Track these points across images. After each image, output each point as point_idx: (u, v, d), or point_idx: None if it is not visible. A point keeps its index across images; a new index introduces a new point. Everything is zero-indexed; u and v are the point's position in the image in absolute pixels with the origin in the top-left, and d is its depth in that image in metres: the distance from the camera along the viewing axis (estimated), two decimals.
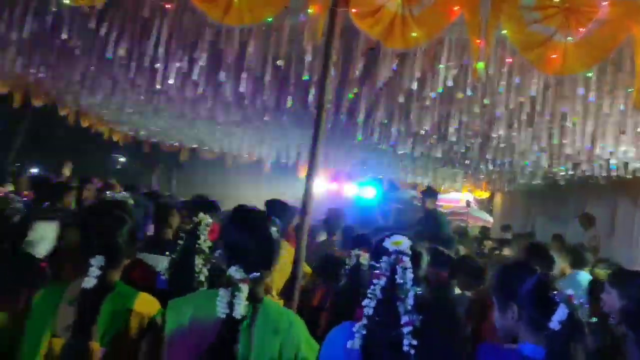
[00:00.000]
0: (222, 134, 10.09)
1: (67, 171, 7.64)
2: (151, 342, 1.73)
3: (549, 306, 1.61)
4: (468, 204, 11.85)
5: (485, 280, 3.73)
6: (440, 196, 12.90)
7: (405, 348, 1.46)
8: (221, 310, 1.60)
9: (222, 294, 1.62)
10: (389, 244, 1.62)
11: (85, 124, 9.96)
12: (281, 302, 3.59)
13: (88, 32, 4.59)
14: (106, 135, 11.09)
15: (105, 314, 1.69)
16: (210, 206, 4.80)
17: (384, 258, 1.58)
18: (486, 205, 14.56)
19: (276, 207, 4.12)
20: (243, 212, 1.89)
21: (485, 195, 13.58)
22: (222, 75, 4.86)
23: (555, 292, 1.65)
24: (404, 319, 1.49)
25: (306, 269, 3.83)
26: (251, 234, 1.73)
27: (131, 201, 2.51)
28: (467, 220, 11.55)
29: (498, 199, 13.35)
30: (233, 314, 1.59)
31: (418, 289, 1.55)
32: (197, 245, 2.49)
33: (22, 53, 5.81)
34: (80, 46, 5.04)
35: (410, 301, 1.51)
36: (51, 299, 1.75)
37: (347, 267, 2.57)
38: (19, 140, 8.57)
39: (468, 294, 3.49)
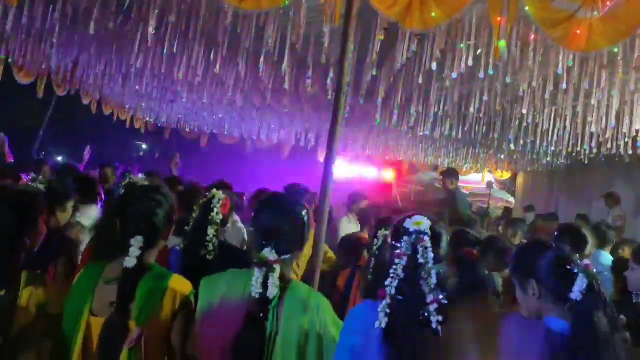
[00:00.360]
0: (241, 119, 10.14)
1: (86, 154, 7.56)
2: (184, 321, 1.78)
3: (568, 277, 1.63)
4: (489, 184, 11.70)
5: None
6: (461, 177, 12.83)
7: (434, 325, 1.47)
8: (255, 290, 1.66)
9: (257, 273, 1.68)
10: (409, 224, 1.64)
11: (107, 111, 10.11)
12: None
13: (108, 20, 4.64)
14: (127, 123, 11.25)
15: (141, 294, 1.74)
16: (226, 187, 4.91)
17: (405, 238, 1.61)
18: (508, 186, 14.38)
19: (295, 191, 4.16)
20: (276, 197, 1.98)
21: (506, 175, 13.41)
22: (240, 60, 4.86)
23: (573, 263, 1.66)
24: (429, 297, 1.51)
25: (330, 254, 3.86)
26: (284, 218, 1.80)
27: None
28: (488, 202, 11.42)
29: (520, 179, 13.18)
30: (267, 293, 1.66)
31: (439, 267, 1.57)
32: (210, 217, 2.62)
33: (45, 42, 5.91)
34: (101, 34, 5.10)
35: (433, 279, 1.53)
36: (89, 279, 1.81)
37: (374, 247, 2.58)
38: (42, 130, 8.74)
39: (497, 275, 3.43)
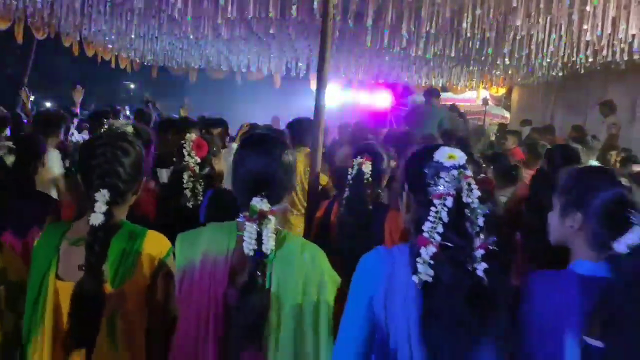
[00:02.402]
0: (228, 52, 9.88)
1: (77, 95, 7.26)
2: (163, 284, 1.62)
3: (621, 225, 1.39)
4: (485, 101, 11.61)
5: (518, 179, 3.62)
6: (455, 96, 12.71)
7: (480, 273, 1.31)
8: (249, 247, 1.48)
9: (250, 228, 1.49)
10: (443, 157, 1.39)
11: (90, 53, 9.82)
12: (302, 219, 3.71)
13: None
14: (112, 63, 10.96)
15: (114, 255, 1.56)
16: (216, 122, 4.86)
17: (443, 174, 1.37)
18: (503, 101, 14.28)
19: (302, 126, 4.09)
20: (261, 139, 1.70)
21: (502, 91, 13.26)
22: None
23: (632, 211, 1.42)
24: (477, 241, 1.33)
25: (322, 178, 3.86)
26: (274, 162, 1.60)
27: (130, 128, 2.38)
28: (484, 119, 11.39)
29: (515, 94, 13.06)
30: (263, 249, 1.49)
31: (486, 207, 1.37)
32: (184, 162, 2.52)
33: None
34: None
35: (480, 222, 1.34)
36: (51, 240, 1.63)
37: (349, 176, 2.44)
38: (26, 77, 8.51)
39: (503, 197, 3.34)
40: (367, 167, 2.43)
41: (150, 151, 2.52)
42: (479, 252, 1.33)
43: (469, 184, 1.36)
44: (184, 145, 2.56)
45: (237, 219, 1.60)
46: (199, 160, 2.57)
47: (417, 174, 1.42)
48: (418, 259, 1.31)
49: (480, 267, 1.32)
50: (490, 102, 12.27)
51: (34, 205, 2.42)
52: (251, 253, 1.49)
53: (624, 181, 1.55)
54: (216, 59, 10.89)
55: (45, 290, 1.57)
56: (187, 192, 2.47)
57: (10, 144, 2.57)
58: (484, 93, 12.69)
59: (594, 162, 4.36)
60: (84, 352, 1.54)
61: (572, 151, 3.22)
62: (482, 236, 1.35)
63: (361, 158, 2.46)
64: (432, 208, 1.34)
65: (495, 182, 3.52)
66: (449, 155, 1.39)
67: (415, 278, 1.32)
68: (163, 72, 12.53)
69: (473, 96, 13.29)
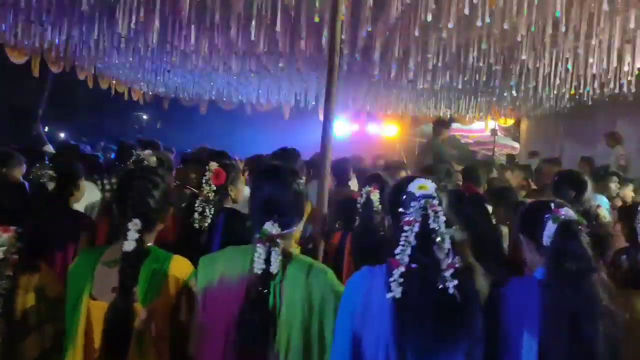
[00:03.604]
0: (239, 84, 10.06)
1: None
2: (186, 304, 1.79)
3: (537, 224, 1.67)
4: (493, 132, 11.63)
5: None
6: (464, 127, 12.75)
7: (451, 291, 1.45)
8: (258, 266, 1.61)
9: (260, 250, 1.63)
10: (414, 188, 1.57)
11: (104, 85, 10.06)
12: (298, 249, 3.71)
13: None
14: (126, 95, 11.20)
15: (144, 277, 1.73)
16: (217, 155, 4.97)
17: (413, 204, 1.54)
18: (512, 132, 14.29)
19: (287, 155, 4.16)
20: (274, 168, 1.88)
21: (510, 122, 13.30)
22: (233, 26, 4.80)
23: (543, 210, 1.68)
24: (444, 262, 1.47)
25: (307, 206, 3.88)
26: (285, 190, 1.75)
27: (154, 158, 2.64)
28: (493, 149, 11.38)
29: (524, 125, 13.08)
30: (270, 269, 1.62)
31: (452, 231, 1.52)
32: (201, 189, 2.72)
33: (36, 19, 5.83)
34: (90, 7, 5.02)
35: (447, 244, 1.49)
36: (88, 262, 1.81)
37: (358, 205, 2.54)
38: (41, 108, 8.71)
39: (504, 228, 3.37)
40: (375, 196, 2.49)
41: (172, 177, 2.73)
42: (449, 272, 1.47)
43: (435, 212, 1.52)
44: (205, 174, 2.76)
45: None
46: (214, 188, 2.76)
47: (394, 204, 1.63)
48: (391, 279, 1.49)
49: (451, 284, 1.46)
50: (499, 133, 12.29)
51: (68, 222, 2.67)
52: (259, 272, 1.62)
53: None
54: (226, 91, 11.09)
55: (80, 308, 1.73)
56: (196, 215, 2.66)
57: (52, 172, 2.75)
58: (492, 124, 12.73)
59: (604, 198, 4.32)
60: None
61: (580, 179, 3.14)
62: (450, 257, 1.49)
63: (369, 187, 2.52)
64: (403, 234, 1.51)
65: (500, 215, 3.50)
66: (420, 186, 1.57)
67: (388, 295, 1.48)
68: (174, 104, 12.76)
69: (482, 127, 13.34)
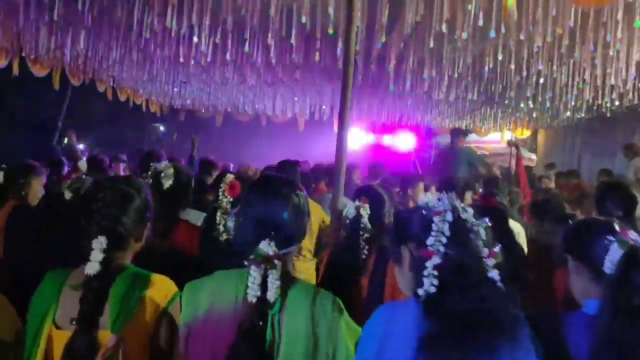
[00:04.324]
0: (254, 96, 10.16)
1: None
2: (166, 334, 1.55)
3: (599, 246, 1.45)
4: (510, 143, 11.53)
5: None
6: (480, 138, 12.66)
7: (497, 278, 1.30)
8: (252, 293, 1.38)
9: (255, 273, 1.39)
10: (428, 202, 1.44)
11: (122, 97, 10.23)
12: (314, 262, 3.69)
13: (114, 6, 4.67)
14: (144, 107, 11.38)
15: (115, 300, 1.49)
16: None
17: (435, 202, 1.40)
18: (529, 143, 14.15)
19: (289, 168, 4.15)
20: (271, 181, 1.62)
21: (527, 133, 13.17)
22: (248, 39, 4.86)
23: (607, 231, 1.46)
24: (485, 251, 1.33)
25: (326, 218, 3.81)
26: (284, 203, 1.50)
27: (171, 170, 2.59)
28: (510, 161, 11.27)
29: (541, 136, 12.95)
30: (267, 296, 1.38)
31: (483, 222, 1.38)
32: (218, 201, 2.65)
33: (57, 33, 5.98)
34: (109, 21, 5.14)
35: (482, 234, 1.35)
36: (52, 287, 1.56)
37: (347, 219, 2.37)
38: (61, 120, 8.87)
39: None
40: (365, 211, 2.36)
41: (189, 190, 2.70)
42: (490, 261, 1.32)
43: (462, 206, 1.38)
44: (221, 185, 2.71)
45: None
46: (231, 199, 2.68)
47: (406, 222, 1.44)
48: (424, 272, 1.30)
49: (494, 274, 1.30)
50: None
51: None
52: (254, 300, 1.39)
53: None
54: (242, 103, 11.20)
55: (39, 339, 1.49)
56: (220, 227, 2.59)
57: (67, 182, 2.74)
58: (508, 135, 12.61)
59: None
60: None
61: (630, 193, 2.82)
62: (493, 246, 1.34)
63: (359, 201, 2.38)
64: (433, 224, 1.34)
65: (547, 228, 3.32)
66: (430, 198, 1.43)
67: (420, 292, 1.30)
68: (190, 115, 12.93)
69: (498, 138, 13.23)
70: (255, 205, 1.52)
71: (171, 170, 2.58)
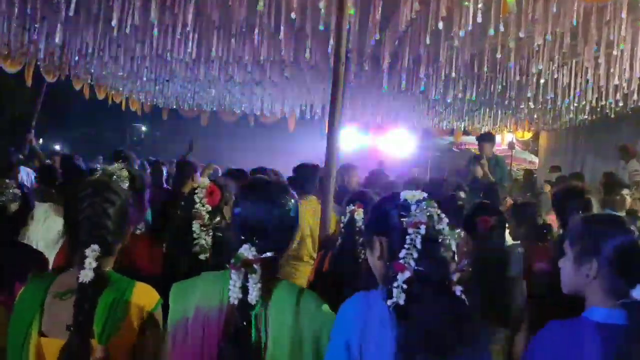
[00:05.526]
0: (242, 94, 10.12)
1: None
2: (152, 339, 1.62)
3: (636, 273, 1.48)
4: (511, 145, 11.60)
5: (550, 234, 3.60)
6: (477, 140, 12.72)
7: (458, 293, 1.42)
8: (234, 295, 1.48)
9: (235, 276, 1.49)
10: (407, 197, 1.53)
11: (101, 95, 10.15)
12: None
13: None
14: (123, 106, 11.29)
15: (102, 308, 1.55)
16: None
17: (413, 207, 1.49)
18: (530, 145, 14.25)
19: (306, 171, 4.14)
20: (259, 184, 1.71)
21: (528, 135, 13.26)
22: (235, 34, 4.84)
23: None
24: (452, 266, 1.45)
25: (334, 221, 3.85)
26: (268, 208, 1.58)
27: (125, 173, 2.36)
28: (510, 164, 11.34)
29: (543, 138, 13.04)
30: (247, 299, 1.48)
31: (456, 236, 1.50)
32: (194, 210, 2.47)
33: (29, 27, 5.92)
34: (86, 15, 5.10)
35: (453, 248, 1.47)
36: (35, 294, 1.60)
37: (342, 224, 2.49)
38: (34, 119, 8.77)
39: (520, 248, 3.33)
40: (359, 215, 2.45)
41: (144, 198, 2.49)
42: (455, 275, 1.44)
43: (439, 214, 1.50)
44: (196, 191, 2.53)
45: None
46: (209, 208, 2.50)
47: (385, 217, 1.54)
48: (394, 284, 1.41)
49: (458, 289, 1.43)
50: (516, 147, 12.25)
51: (17, 259, 2.23)
52: (235, 302, 1.49)
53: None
54: (228, 102, 11.15)
55: (28, 347, 1.54)
56: (201, 241, 2.42)
57: (18, 191, 2.35)
58: (509, 137, 12.69)
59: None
60: None
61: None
62: (459, 261, 1.48)
63: (353, 206, 2.49)
64: (407, 237, 1.45)
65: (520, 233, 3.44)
66: (412, 195, 1.53)
67: (389, 302, 1.41)
68: (174, 114, 12.84)
69: (498, 140, 13.32)
70: (242, 210, 1.61)
71: (125, 173, 2.36)
